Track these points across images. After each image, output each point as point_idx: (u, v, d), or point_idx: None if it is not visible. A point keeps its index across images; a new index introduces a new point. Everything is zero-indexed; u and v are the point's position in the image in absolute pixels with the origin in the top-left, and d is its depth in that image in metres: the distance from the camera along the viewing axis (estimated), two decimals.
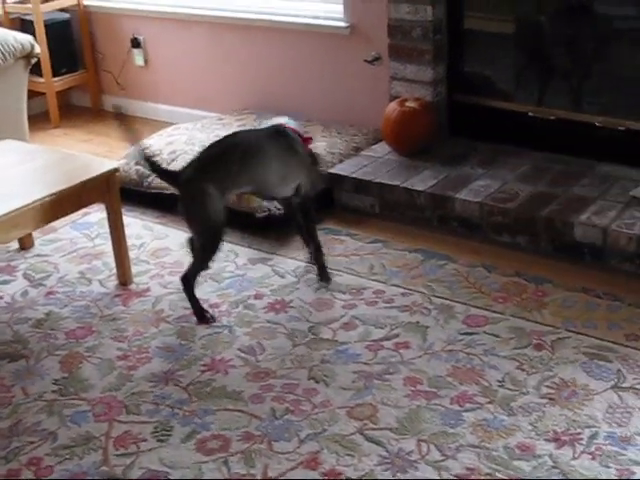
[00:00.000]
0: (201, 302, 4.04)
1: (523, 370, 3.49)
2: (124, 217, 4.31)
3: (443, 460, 3.05)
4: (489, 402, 3.32)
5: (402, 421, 3.25)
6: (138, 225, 4.88)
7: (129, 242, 4.40)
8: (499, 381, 3.43)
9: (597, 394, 3.33)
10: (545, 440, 3.11)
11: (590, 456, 3.03)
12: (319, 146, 5.13)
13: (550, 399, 3.31)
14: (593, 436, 3.12)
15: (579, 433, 3.13)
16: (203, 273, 4.02)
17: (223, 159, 3.88)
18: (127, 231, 4.35)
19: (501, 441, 3.12)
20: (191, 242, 4.08)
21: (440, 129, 5.22)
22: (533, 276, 4.15)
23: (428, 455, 3.08)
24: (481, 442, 3.12)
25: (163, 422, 3.33)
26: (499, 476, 2.96)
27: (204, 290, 4.18)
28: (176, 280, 4.26)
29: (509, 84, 5.22)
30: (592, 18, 4.84)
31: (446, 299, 4.01)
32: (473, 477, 2.97)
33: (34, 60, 5.52)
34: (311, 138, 4.26)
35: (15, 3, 6.60)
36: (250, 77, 6.04)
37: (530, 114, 5.02)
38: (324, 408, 3.35)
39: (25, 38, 5.42)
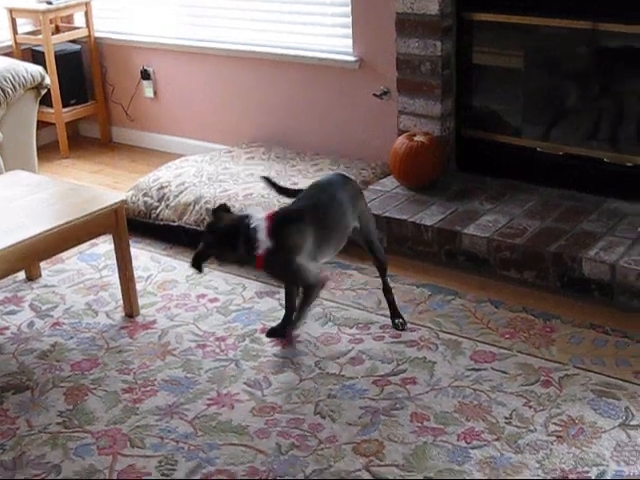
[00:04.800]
0: (207, 335, 4.05)
1: (530, 407, 3.47)
2: (131, 249, 4.31)
3: None
4: (496, 439, 3.30)
5: (408, 457, 3.23)
6: (145, 257, 4.88)
7: (136, 274, 4.40)
8: (506, 418, 3.41)
9: (605, 432, 3.30)
10: (552, 478, 3.09)
11: None
12: None
13: (558, 437, 3.29)
14: (601, 474, 3.09)
15: (587, 471, 3.11)
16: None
17: None
18: (134, 263, 4.36)
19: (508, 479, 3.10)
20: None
21: (448, 164, 5.22)
22: (541, 312, 4.14)
23: None
24: None
25: (168, 456, 3.31)
26: None
27: (210, 323, 4.18)
28: (182, 312, 4.27)
29: (517, 119, 5.22)
30: (601, 53, 4.85)
31: (453, 335, 4.00)
32: None
33: (44, 91, 5.52)
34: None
35: (26, 34, 6.63)
36: (259, 110, 6.06)
37: (538, 149, 5.02)
38: (330, 444, 3.33)
39: (35, 69, 5.43)
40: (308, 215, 3.77)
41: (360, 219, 3.98)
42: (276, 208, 4.20)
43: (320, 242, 3.78)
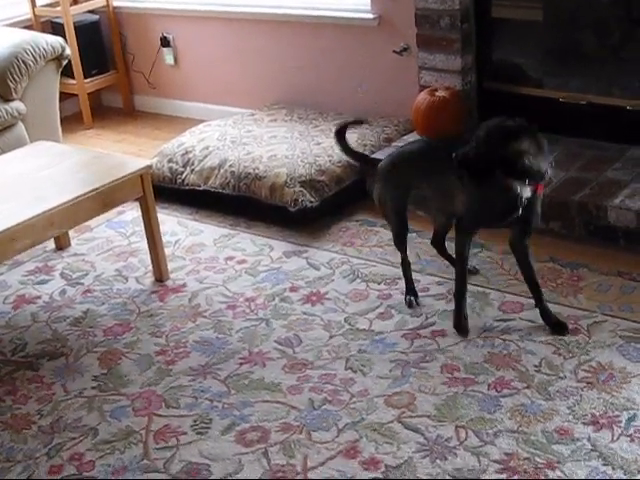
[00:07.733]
0: (237, 296, 4.09)
1: (560, 355, 3.49)
2: (158, 214, 4.34)
3: (482, 446, 3.06)
4: (526, 387, 3.32)
5: (440, 408, 3.26)
6: (172, 222, 4.91)
7: (164, 239, 4.44)
8: (536, 366, 3.44)
9: (635, 377, 3.32)
10: (583, 424, 3.11)
11: (629, 438, 3.03)
12: (350, 138, 5.14)
13: (587, 383, 3.31)
14: (631, 418, 3.12)
15: (617, 416, 3.13)
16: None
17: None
18: (162, 228, 4.39)
19: (539, 426, 3.12)
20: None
21: (470, 117, 5.21)
22: (568, 261, 4.15)
23: (467, 441, 3.09)
24: (519, 427, 3.13)
25: (202, 415, 3.36)
26: (538, 460, 2.97)
27: (240, 284, 4.22)
28: (211, 275, 4.30)
29: (539, 70, 5.19)
30: (622, 1, 4.81)
31: (481, 286, 4.01)
32: (512, 462, 2.98)
33: (65, 62, 5.55)
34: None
35: (44, 7, 6.65)
36: (280, 72, 6.05)
37: (561, 100, 5.00)
38: (362, 397, 3.37)
39: (55, 40, 5.46)
40: None
41: None
42: None
43: None
